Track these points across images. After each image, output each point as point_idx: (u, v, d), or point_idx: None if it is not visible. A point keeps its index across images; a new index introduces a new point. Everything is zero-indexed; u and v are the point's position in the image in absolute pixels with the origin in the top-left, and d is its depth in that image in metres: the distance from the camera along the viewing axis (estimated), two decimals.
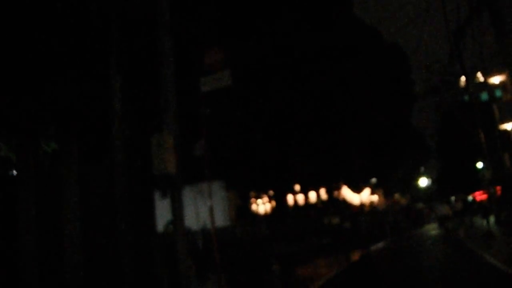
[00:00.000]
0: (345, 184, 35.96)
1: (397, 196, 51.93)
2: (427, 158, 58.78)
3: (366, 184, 41.85)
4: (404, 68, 44.49)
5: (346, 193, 36.40)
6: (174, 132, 9.73)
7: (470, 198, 54.71)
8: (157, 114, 10.13)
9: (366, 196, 40.67)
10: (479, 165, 52.70)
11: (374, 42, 38.46)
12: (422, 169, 58.82)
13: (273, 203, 32.38)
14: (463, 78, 58.90)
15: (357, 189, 37.91)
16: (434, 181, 61.26)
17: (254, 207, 32.78)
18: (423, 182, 57.59)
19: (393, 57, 40.80)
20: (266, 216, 32.76)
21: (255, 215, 31.98)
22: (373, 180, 43.40)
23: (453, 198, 46.96)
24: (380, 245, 25.18)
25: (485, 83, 34.57)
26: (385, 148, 39.56)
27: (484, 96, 33.44)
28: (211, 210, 13.16)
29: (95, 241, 9.75)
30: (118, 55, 10.07)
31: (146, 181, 10.43)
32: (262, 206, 33.34)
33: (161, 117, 9.92)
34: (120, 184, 9.61)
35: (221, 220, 29.18)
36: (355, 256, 20.71)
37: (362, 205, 39.36)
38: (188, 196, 28.50)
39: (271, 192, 31.33)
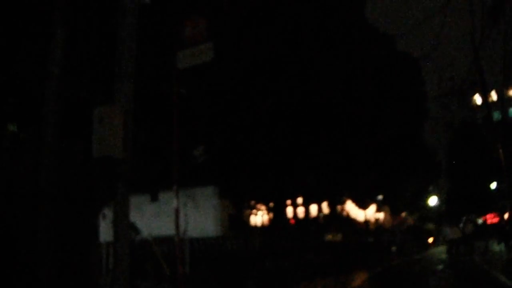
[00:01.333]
0: (350, 198, 33.40)
1: (404, 214, 49.31)
2: (437, 177, 56.59)
3: (372, 200, 39.34)
4: (417, 79, 42.35)
5: (351, 208, 33.81)
6: (125, 105, 7.25)
7: (480, 220, 52.27)
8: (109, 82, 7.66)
9: (371, 213, 38.05)
10: (493, 185, 50.38)
11: (386, 50, 36.27)
12: (431, 188, 56.26)
13: (271, 214, 29.85)
14: (476, 96, 56.82)
15: (362, 205, 35.33)
16: (444, 201, 58.68)
17: (251, 217, 30.27)
18: (433, 201, 54.96)
19: (406, 67, 38.70)
20: (262, 228, 30.25)
21: (251, 226, 29.47)
22: (380, 197, 40.85)
23: (463, 219, 44.47)
24: (386, 266, 22.45)
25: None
26: (394, 163, 37.19)
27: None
28: (176, 212, 10.54)
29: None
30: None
31: (90, 172, 7.80)
32: (259, 217, 30.83)
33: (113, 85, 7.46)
34: (48, 173, 7.06)
35: (211, 229, 26.63)
36: (358, 279, 18.09)
37: (367, 222, 36.75)
38: (172, 200, 26.01)
39: (269, 203, 28.79)
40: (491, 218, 51.61)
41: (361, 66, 30.67)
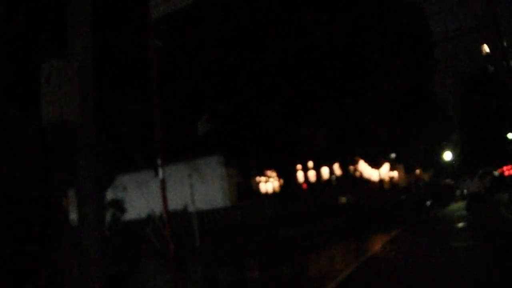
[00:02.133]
0: (362, 158, 32.05)
1: (418, 171, 47.93)
2: (449, 131, 55.20)
3: (385, 158, 37.97)
4: (424, 28, 40.63)
5: (364, 168, 32.50)
6: (81, 57, 5.93)
7: (496, 173, 50.94)
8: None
9: (385, 172, 36.72)
10: (510, 135, 48.93)
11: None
12: (444, 143, 54.92)
13: (282, 181, 28.64)
14: (485, 46, 55.28)
15: (375, 164, 33.97)
16: (458, 155, 57.28)
17: (261, 185, 29.10)
18: (448, 156, 53.50)
19: (413, 16, 37.00)
20: (274, 195, 29.09)
21: (260, 194, 28.30)
22: (392, 155, 39.47)
23: (480, 171, 43.15)
24: (404, 228, 21.21)
25: None
26: (406, 118, 35.74)
27: None
28: (163, 188, 9.30)
29: None
30: None
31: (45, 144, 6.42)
32: (269, 184, 29.65)
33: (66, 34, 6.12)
34: None
35: (219, 200, 25.55)
36: (376, 243, 16.87)
37: (381, 182, 35.45)
38: (183, 174, 24.90)
39: (279, 169, 27.54)
40: (508, 170, 50.39)
41: (365, 12, 29.08)
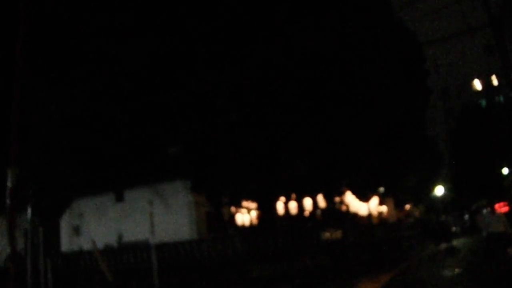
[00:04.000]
0: (349, 189, 29.07)
1: (409, 207, 45.19)
2: (439, 167, 53.14)
3: (373, 192, 35.10)
4: (418, 55, 38.39)
5: (351, 201, 29.50)
6: None
7: (484, 210, 48.31)
8: None
9: (374, 206, 33.78)
10: (505, 171, 46.52)
11: (384, 21, 32.05)
12: (434, 178, 52.53)
13: (258, 212, 25.58)
14: (476, 81, 53.92)
15: (363, 197, 31.02)
16: (450, 191, 54.83)
17: (236, 216, 25.99)
18: (439, 191, 50.91)
19: (406, 42, 34.69)
20: (249, 228, 25.98)
21: (235, 226, 25.17)
22: (381, 189, 36.65)
23: (474, 207, 40.69)
24: (397, 271, 17.86)
25: None
26: (397, 148, 33.05)
27: None
28: None
29: None
30: None
31: None
32: (245, 216, 26.56)
33: None
34: None
35: (186, 231, 22.41)
36: None
37: (370, 216, 32.46)
38: (142, 200, 21.81)
39: (254, 198, 24.46)
40: (500, 207, 48.08)
41: (357, 35, 26.47)
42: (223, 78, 20.77)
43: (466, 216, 54.59)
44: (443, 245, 27.78)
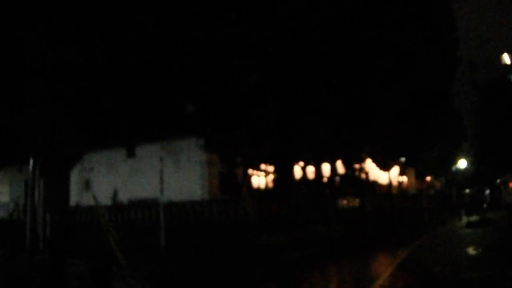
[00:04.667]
0: (370, 157, 27.89)
1: (429, 178, 43.90)
2: (463, 140, 51.97)
3: (394, 161, 33.89)
4: (449, 22, 36.72)
5: (371, 169, 28.35)
6: None
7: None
8: None
9: (394, 176, 32.64)
10: None
11: None
12: (456, 151, 51.24)
13: (274, 175, 24.58)
14: (505, 56, 52.41)
15: (385, 165, 29.85)
16: (472, 164, 53.52)
17: (253, 178, 25.09)
18: (462, 163, 49.51)
19: (437, 7, 33.03)
20: (264, 191, 25.09)
21: (252, 189, 24.29)
22: (402, 159, 35.41)
23: (499, 181, 39.59)
24: (417, 246, 16.67)
25: None
26: (421, 118, 31.76)
27: None
28: None
29: None
30: None
31: None
32: (261, 178, 25.65)
33: None
34: None
35: (197, 191, 21.57)
36: (382, 267, 12.66)
37: (390, 186, 31.34)
38: (154, 157, 20.92)
39: (271, 161, 23.42)
40: None
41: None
42: (245, 33, 19.62)
43: (487, 191, 53.45)
44: (474, 217, 26.75)
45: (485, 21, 58.61)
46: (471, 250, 13.65)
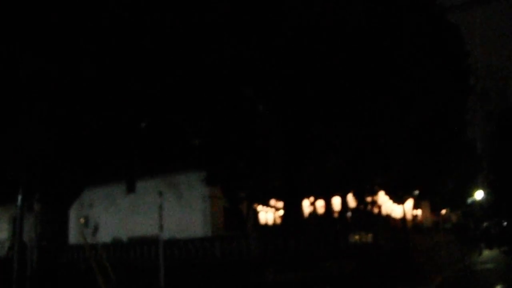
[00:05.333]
0: (383, 189, 26.67)
1: (445, 211, 42.57)
2: (478, 171, 50.83)
3: (408, 194, 32.67)
4: (461, 50, 35.90)
5: (384, 202, 27.10)
6: None
7: None
8: None
9: (408, 209, 31.31)
10: None
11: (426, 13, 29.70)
12: (471, 183, 50.03)
13: (281, 211, 23.44)
14: None
15: (398, 198, 28.57)
16: (489, 195, 52.11)
17: (260, 215, 23.96)
18: (479, 195, 48.20)
19: (448, 35, 32.26)
20: (272, 227, 23.92)
21: (259, 225, 23.13)
22: (416, 192, 34.16)
23: None
24: (438, 282, 15.24)
25: None
26: (435, 150, 30.71)
27: None
28: None
29: None
30: None
31: None
32: (269, 214, 24.50)
33: None
34: None
35: (199, 228, 20.44)
36: None
37: (404, 220, 29.98)
38: (155, 192, 19.84)
39: (277, 195, 22.29)
40: None
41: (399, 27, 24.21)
42: (248, 63, 18.75)
43: (505, 223, 51.87)
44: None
45: (497, 50, 58.06)
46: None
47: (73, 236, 24.09)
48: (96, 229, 22.67)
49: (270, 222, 24.49)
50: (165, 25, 17.36)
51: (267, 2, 17.41)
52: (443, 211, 42.38)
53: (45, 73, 17.65)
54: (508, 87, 58.55)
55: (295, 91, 19.37)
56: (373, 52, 21.05)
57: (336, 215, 24.68)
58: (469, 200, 49.07)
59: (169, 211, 18.19)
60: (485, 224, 41.63)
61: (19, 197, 13.93)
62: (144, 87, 18.88)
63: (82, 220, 24.92)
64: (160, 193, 16.09)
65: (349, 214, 25.47)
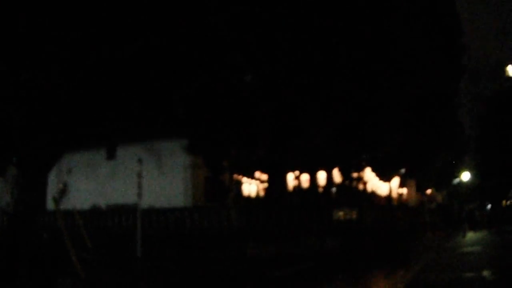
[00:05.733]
0: (370, 166, 26.13)
1: (430, 191, 42.22)
2: (465, 152, 50.67)
3: (395, 172, 32.22)
4: (455, 28, 35.28)
5: (370, 179, 26.60)
6: None
7: None
8: None
9: (394, 187, 30.91)
10: None
11: None
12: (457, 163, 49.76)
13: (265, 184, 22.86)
14: (509, 67, 51.48)
15: (385, 176, 28.10)
16: (476, 177, 51.83)
17: (244, 186, 23.37)
18: (466, 176, 47.87)
19: (445, 12, 31.60)
20: (255, 200, 23.35)
21: (239, 197, 22.54)
22: (402, 170, 33.75)
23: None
24: (420, 265, 14.67)
25: None
26: (423, 128, 30.22)
27: None
28: None
29: None
30: None
31: None
32: (252, 186, 23.92)
33: None
34: None
35: (180, 197, 19.78)
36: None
37: (390, 198, 29.59)
38: (135, 159, 19.12)
39: (261, 167, 21.66)
40: None
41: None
42: (238, 28, 17.85)
43: (489, 206, 51.95)
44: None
45: (490, 30, 57.61)
46: (485, 273, 11.82)
47: (51, 202, 23.35)
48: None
49: (254, 194, 23.92)
50: None
51: None
52: (429, 191, 42.05)
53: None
54: (499, 68, 58.16)
55: (285, 60, 18.61)
56: (367, 21, 20.32)
57: (321, 190, 24.15)
58: (455, 181, 48.80)
59: (149, 180, 17.55)
60: (470, 206, 41.57)
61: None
62: (127, 49, 17.97)
63: (60, 186, 24.17)
64: (140, 160, 15.44)
65: (334, 189, 24.95)
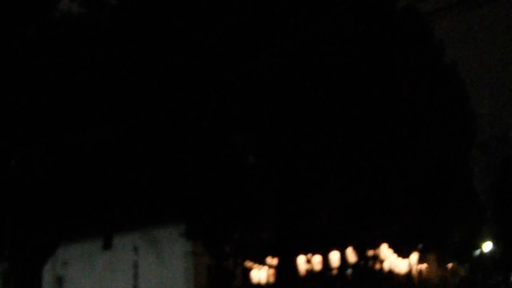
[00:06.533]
0: (386, 241, 24.66)
1: (451, 265, 40.51)
2: (483, 222, 49.45)
3: (413, 248, 30.75)
4: (462, 94, 34.83)
5: (386, 256, 25.03)
6: None
7: None
8: None
9: (414, 263, 29.25)
10: None
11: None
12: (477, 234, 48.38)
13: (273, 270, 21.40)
14: None
15: (402, 252, 26.53)
16: (497, 247, 50.10)
17: (253, 272, 21.94)
18: (488, 247, 46.23)
19: (450, 78, 31.18)
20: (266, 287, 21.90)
21: (248, 284, 21.04)
22: (419, 245, 32.35)
23: None
24: None
25: None
26: (439, 200, 29.22)
27: None
28: None
29: None
30: None
31: None
32: (262, 271, 22.47)
33: None
34: None
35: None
36: None
37: (409, 275, 27.89)
38: (129, 248, 17.88)
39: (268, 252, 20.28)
40: None
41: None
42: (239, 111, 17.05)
43: None
44: None
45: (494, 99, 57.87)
46: None
47: None
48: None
49: (264, 281, 22.46)
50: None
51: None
52: (450, 265, 40.31)
53: None
54: (507, 136, 58.12)
55: (287, 140, 17.58)
56: (370, 95, 19.47)
57: (335, 272, 22.64)
58: (477, 253, 47.09)
59: (148, 269, 16.23)
60: (494, 278, 39.77)
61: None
62: (125, 136, 17.13)
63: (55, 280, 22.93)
64: (135, 249, 14.13)
65: (349, 271, 23.42)
